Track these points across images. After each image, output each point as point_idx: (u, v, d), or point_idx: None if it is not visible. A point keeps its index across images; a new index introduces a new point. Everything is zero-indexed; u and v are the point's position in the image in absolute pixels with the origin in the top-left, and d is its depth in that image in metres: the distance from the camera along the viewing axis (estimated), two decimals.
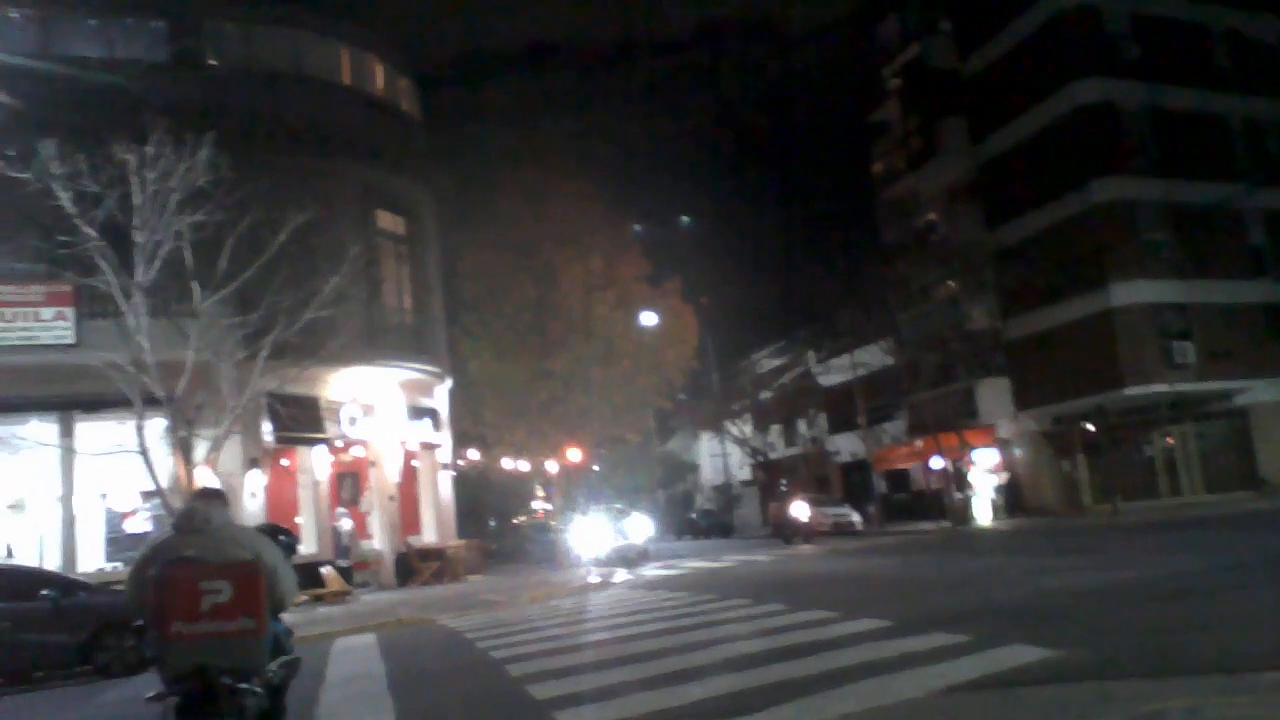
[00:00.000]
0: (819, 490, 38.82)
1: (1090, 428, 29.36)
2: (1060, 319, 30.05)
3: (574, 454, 32.05)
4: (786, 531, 30.18)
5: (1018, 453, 32.87)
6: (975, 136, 33.89)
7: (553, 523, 34.97)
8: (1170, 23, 30.51)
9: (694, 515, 50.23)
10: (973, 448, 31.19)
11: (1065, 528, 24.91)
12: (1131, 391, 28.25)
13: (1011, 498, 31.63)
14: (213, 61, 22.33)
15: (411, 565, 23.49)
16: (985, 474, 31.84)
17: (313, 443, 21.97)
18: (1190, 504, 28.33)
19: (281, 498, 21.81)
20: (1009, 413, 32.60)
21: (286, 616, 5.18)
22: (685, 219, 50.79)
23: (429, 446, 25.99)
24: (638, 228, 37.75)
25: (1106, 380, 28.43)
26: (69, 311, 17.86)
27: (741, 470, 51.88)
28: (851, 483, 41.56)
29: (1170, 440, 30.59)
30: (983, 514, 30.59)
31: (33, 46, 19.67)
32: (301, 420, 21.00)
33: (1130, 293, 28.59)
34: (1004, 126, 32.21)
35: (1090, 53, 29.72)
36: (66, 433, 18.54)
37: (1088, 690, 5.77)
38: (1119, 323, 28.61)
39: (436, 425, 26.16)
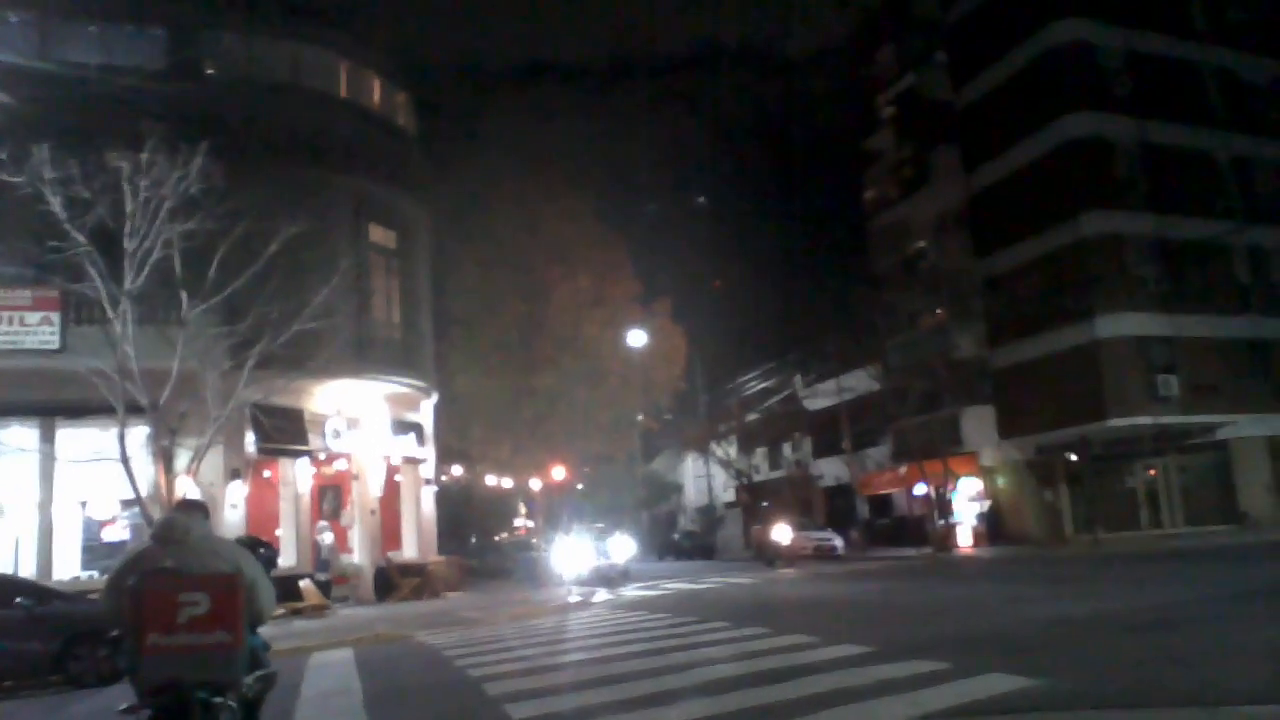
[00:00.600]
0: (802, 514, 38.72)
1: (1073, 458, 29.48)
2: (1046, 349, 30.21)
3: (558, 472, 32.04)
4: (768, 555, 30.14)
5: (1001, 481, 32.95)
6: (967, 166, 34.16)
7: (535, 541, 34.88)
8: (1162, 60, 30.85)
9: (677, 536, 50.11)
10: (956, 475, 31.25)
11: (1046, 557, 24.95)
12: (1115, 423, 28.39)
13: (993, 526, 31.68)
14: (210, 71, 22.38)
15: (391, 580, 23.36)
16: (968, 501, 31.91)
17: (296, 455, 21.88)
18: (1171, 536, 28.43)
19: (262, 509, 21.69)
20: (993, 441, 32.71)
21: (264, 630, 5.16)
22: (682, 231, 50.99)
23: (412, 461, 25.90)
24: (633, 239, 37.78)
25: (1091, 411, 28.56)
26: (55, 316, 17.77)
27: (725, 492, 51.82)
28: (835, 507, 41.55)
29: (1153, 472, 30.73)
30: (964, 541, 30.63)
31: (31, 50, 19.66)
32: (285, 432, 20.92)
33: (1116, 325, 28.78)
34: (996, 157, 32.48)
35: (1083, 87, 30.02)
36: (48, 438, 18.42)
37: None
38: (1104, 354, 28.77)
39: (421, 440, 26.09)
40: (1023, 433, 31.53)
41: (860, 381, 35.44)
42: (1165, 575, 16.16)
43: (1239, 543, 23.81)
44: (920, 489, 33.45)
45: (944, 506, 31.28)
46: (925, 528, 32.54)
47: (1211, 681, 6.75)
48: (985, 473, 33.02)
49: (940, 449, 31.29)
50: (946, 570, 23.06)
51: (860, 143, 40.28)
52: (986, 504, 32.33)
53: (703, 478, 52.11)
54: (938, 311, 34.61)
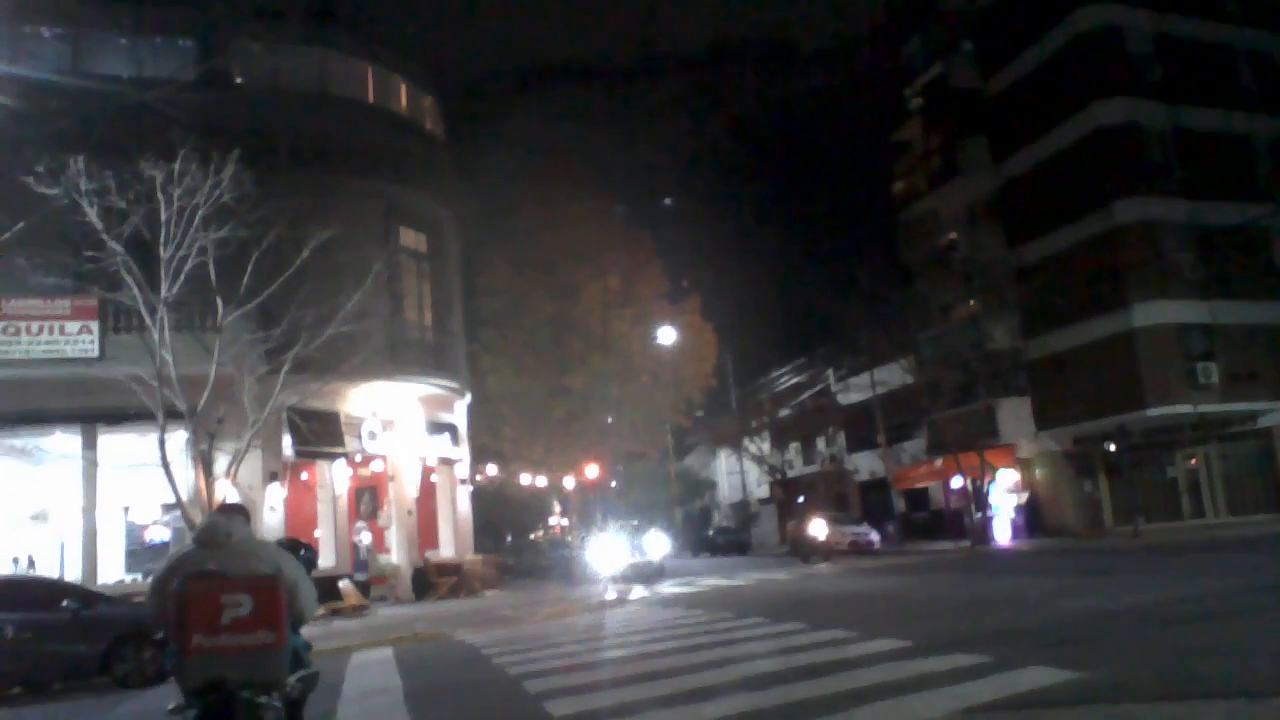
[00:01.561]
0: (838, 509, 38.63)
1: (1112, 448, 29.12)
2: (1082, 339, 29.87)
3: (591, 470, 32.11)
4: (804, 550, 30.04)
5: (1038, 473, 32.63)
6: (997, 156, 33.83)
7: (569, 539, 34.98)
8: (1193, 43, 30.40)
9: (711, 532, 50.09)
10: (993, 467, 30.97)
11: (1086, 549, 24.69)
12: (1154, 412, 28.01)
13: (1032, 518, 31.37)
14: (240, 80, 22.63)
15: (429, 579, 23.53)
16: (1005, 494, 31.62)
17: (332, 457, 22.10)
18: (1213, 526, 28.03)
19: (301, 511, 21.94)
20: (1030, 432, 32.39)
21: (305, 630, 5.22)
22: (710, 227, 50.88)
23: (447, 461, 26.08)
24: (661, 235, 37.78)
25: (1128, 401, 28.21)
26: (94, 325, 18.06)
27: (759, 488, 51.72)
28: (870, 501, 41.34)
29: (1194, 461, 30.30)
30: (1002, 534, 30.36)
31: (63, 64, 19.99)
32: (321, 435, 21.14)
33: (1153, 313, 28.39)
34: (1026, 146, 32.14)
35: (1113, 73, 29.64)
36: (89, 445, 18.71)
37: (1107, 713, 5.73)
38: (1141, 343, 28.39)
39: (455, 440, 26.25)
40: (1060, 423, 31.20)
41: (893, 375, 35.23)
42: (1207, 566, 15.93)
43: None
44: (956, 482, 33.19)
45: (981, 499, 31.01)
46: (962, 521, 32.29)
47: (1255, 673, 6.66)
48: (1022, 464, 32.72)
49: (976, 441, 31.03)
50: (984, 563, 22.86)
51: (888, 135, 40.01)
52: (1024, 496, 32.02)
53: (736, 474, 52.08)
54: (970, 303, 34.31)
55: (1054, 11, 30.69)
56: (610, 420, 33.96)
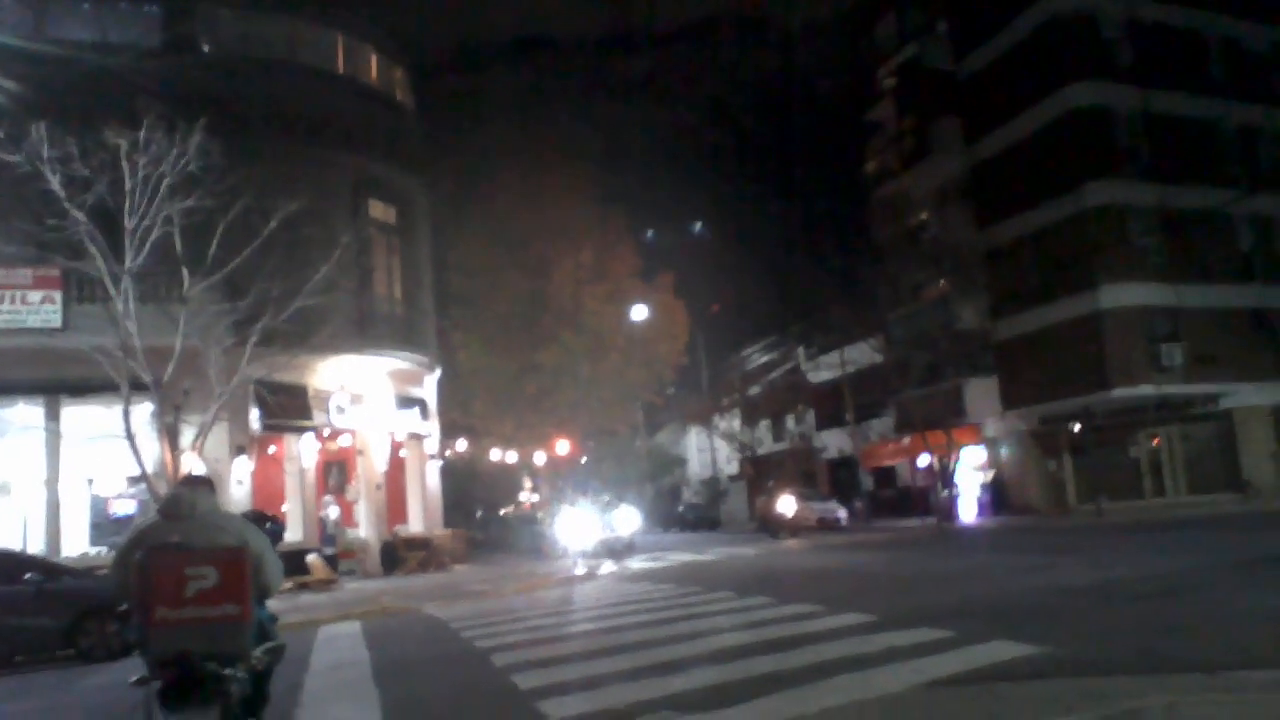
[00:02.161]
0: (806, 486, 38.87)
1: (1077, 428, 29.51)
2: (1049, 320, 30.17)
3: (562, 446, 32.09)
4: (773, 526, 30.27)
5: (1004, 452, 33.02)
6: (969, 137, 33.95)
7: (539, 514, 35.01)
8: (1165, 28, 30.59)
9: (681, 509, 50.34)
10: (960, 446, 31.30)
11: (1050, 527, 25.04)
12: (1118, 393, 28.39)
13: (997, 496, 31.76)
14: (207, 47, 22.23)
15: (397, 554, 23.48)
16: (972, 472, 31.98)
17: (300, 430, 21.93)
18: (1174, 505, 28.54)
19: (268, 485, 21.79)
20: (996, 412, 32.75)
21: (272, 603, 5.19)
22: (684, 207, 50.88)
23: (417, 436, 25.97)
24: (634, 214, 37.68)
25: (1094, 381, 28.57)
26: (57, 295, 17.79)
27: (729, 465, 51.98)
28: (838, 479, 41.67)
29: (1156, 442, 30.77)
30: (968, 512, 30.73)
31: (26, 29, 19.54)
32: (289, 408, 20.96)
33: (1119, 295, 28.70)
34: (998, 128, 32.28)
35: (1085, 56, 29.78)
36: (53, 416, 18.49)
37: (1068, 687, 5.82)
38: (1108, 325, 28.71)
39: (425, 415, 26.13)
40: (1026, 403, 31.55)
41: (863, 354, 35.44)
42: (1168, 544, 16.22)
43: (1242, 511, 23.90)
44: (924, 460, 33.52)
45: (947, 477, 31.35)
46: (929, 498, 32.63)
47: (1213, 648, 6.80)
48: (989, 443, 33.10)
49: (943, 420, 31.33)
50: (950, 541, 23.14)
51: (861, 114, 40.03)
52: (990, 474, 32.41)
53: (706, 451, 52.29)
54: (940, 283, 34.52)
55: None
56: (581, 397, 33.92)
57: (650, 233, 39.91)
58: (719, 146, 57.57)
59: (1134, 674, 6.07)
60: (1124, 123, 29.99)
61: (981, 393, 32.90)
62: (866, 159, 39.83)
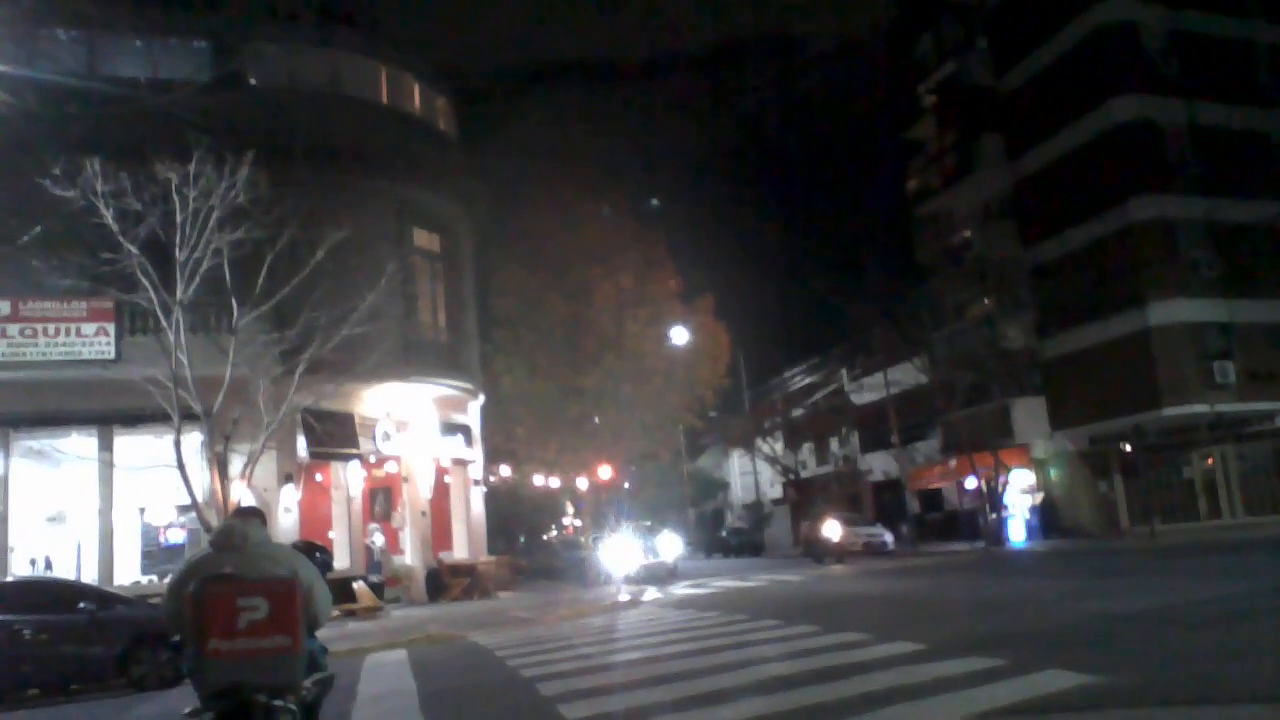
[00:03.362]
0: (851, 509, 38.51)
1: (1128, 448, 28.93)
2: (1097, 338, 29.70)
3: (604, 471, 32.12)
4: (818, 551, 29.97)
5: (1053, 473, 32.47)
6: (1011, 153, 33.66)
7: (583, 539, 35.01)
8: (1210, 39, 30.17)
9: (724, 533, 50.03)
10: (1008, 468, 30.84)
11: (1102, 550, 24.55)
12: (1170, 412, 27.83)
13: (1047, 519, 31.20)
14: (254, 81, 22.71)
15: (442, 581, 23.57)
16: (1020, 494, 31.47)
17: (346, 458, 22.15)
18: (1230, 526, 27.83)
19: (315, 513, 22.00)
20: (1044, 432, 32.24)
21: (320, 632, 5.22)
22: (722, 227, 50.82)
23: (461, 462, 26.12)
24: (671, 233, 37.74)
25: (1144, 400, 28.04)
26: (110, 327, 18.16)
27: (772, 488, 51.63)
28: (884, 502, 41.21)
29: (1210, 461, 30.06)
30: (1017, 535, 30.21)
31: (79, 66, 20.08)
32: (336, 436, 21.19)
33: (1169, 312, 28.20)
34: (1040, 143, 31.97)
35: (1129, 69, 29.46)
36: (106, 446, 18.82)
37: (1126, 717, 5.69)
38: (1157, 342, 28.21)
39: (469, 441, 26.29)
40: (1075, 423, 31.03)
41: (907, 374, 35.10)
42: (1225, 567, 15.82)
43: None
44: (971, 482, 33.04)
45: (995, 500, 30.88)
46: (977, 522, 32.15)
47: (1276, 676, 6.60)
48: (1037, 465, 32.56)
49: (990, 441, 30.90)
50: (999, 565, 22.76)
51: (901, 133, 39.87)
52: (1039, 496, 31.86)
53: (749, 474, 51.98)
54: (984, 302, 34.18)
55: (1069, 7, 30.52)
56: (623, 420, 33.92)
57: (677, 240, 39.73)
58: (759, 167, 57.61)
59: (1194, 704, 5.91)
60: (1170, 136, 29.56)
61: (1029, 413, 32.42)
62: (908, 177, 39.63)
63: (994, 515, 30.71)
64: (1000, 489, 30.68)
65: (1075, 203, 30.18)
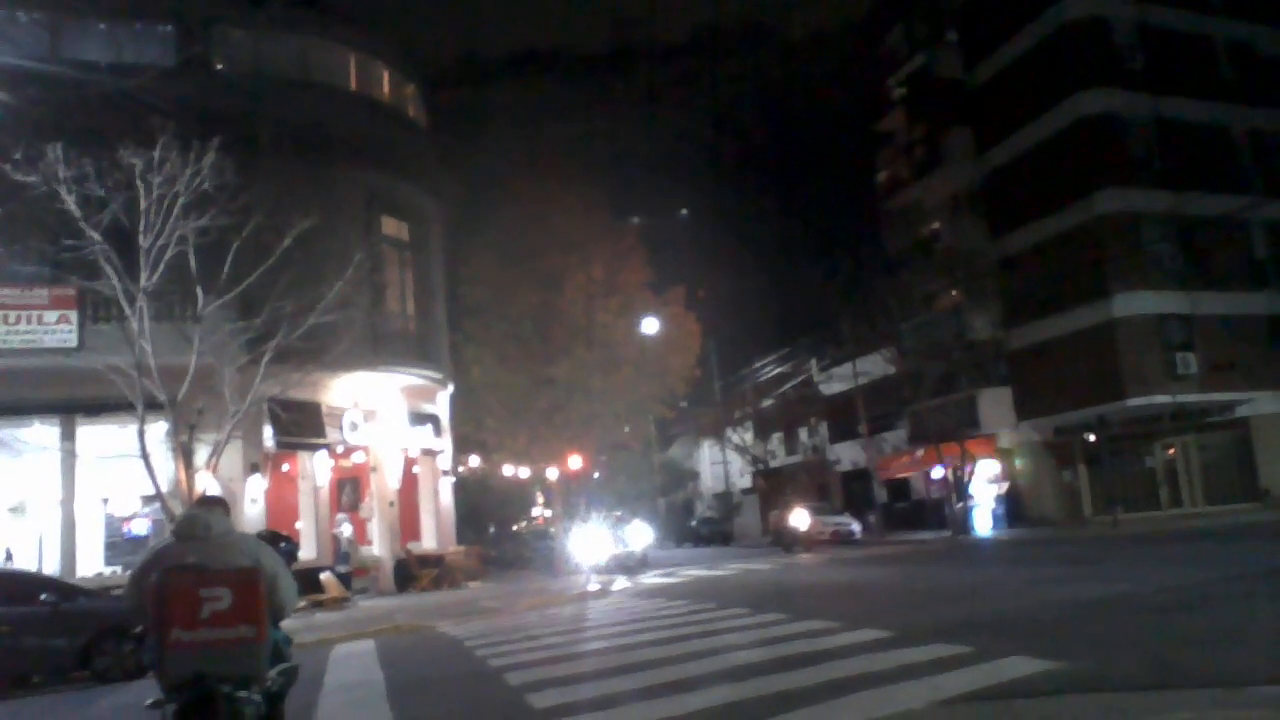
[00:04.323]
0: (820, 499, 38.75)
1: (1091, 438, 29.33)
2: (1063, 329, 30.04)
3: (575, 461, 32.06)
4: (786, 540, 30.12)
5: (1019, 463, 32.83)
6: (980, 146, 33.93)
7: (552, 529, 34.98)
8: (1175, 34, 30.54)
9: (694, 523, 50.19)
10: (974, 457, 31.14)
11: (1066, 538, 24.87)
12: (1133, 402, 28.22)
13: (1012, 508, 31.56)
14: (220, 67, 22.41)
15: (410, 571, 23.47)
16: (986, 484, 31.79)
17: (314, 448, 21.98)
18: (1191, 515, 28.28)
19: (282, 503, 21.82)
20: (1010, 422, 32.58)
21: (286, 623, 5.19)
22: (693, 218, 51.02)
23: (430, 453, 25.99)
24: (635, 220, 37.75)
25: (1108, 391, 28.41)
26: (72, 315, 17.86)
27: (742, 478, 51.84)
28: (852, 492, 41.51)
29: (1172, 451, 30.55)
30: (983, 524, 30.54)
31: (40, 50, 19.73)
32: (303, 425, 21.02)
33: (1133, 303, 28.58)
34: (1009, 137, 32.25)
35: (1095, 64, 29.75)
36: (68, 436, 18.55)
37: (1088, 702, 5.77)
38: (1121, 333, 28.58)
39: (438, 431, 26.16)
40: (1040, 414, 31.39)
41: (875, 365, 35.33)
42: (1186, 555, 16.08)
43: (1260, 521, 23.66)
44: (938, 472, 33.34)
45: (962, 489, 31.19)
46: (943, 511, 32.46)
47: (1234, 661, 6.72)
48: (1003, 455, 32.90)
49: (957, 431, 31.19)
50: (965, 553, 23.01)
51: (871, 125, 40.05)
52: (1005, 486, 32.20)
53: (719, 464, 52.15)
54: (952, 293, 34.46)
55: (1038, 2, 30.76)
56: (594, 411, 33.89)
57: (644, 230, 39.72)
58: (729, 158, 57.68)
59: (1155, 689, 6.01)
60: (1135, 129, 29.92)
61: (995, 403, 32.74)
62: (877, 169, 39.86)
63: (960, 504, 31.01)
64: (966, 478, 30.99)
65: (1042, 195, 30.47)
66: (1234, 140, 30.89)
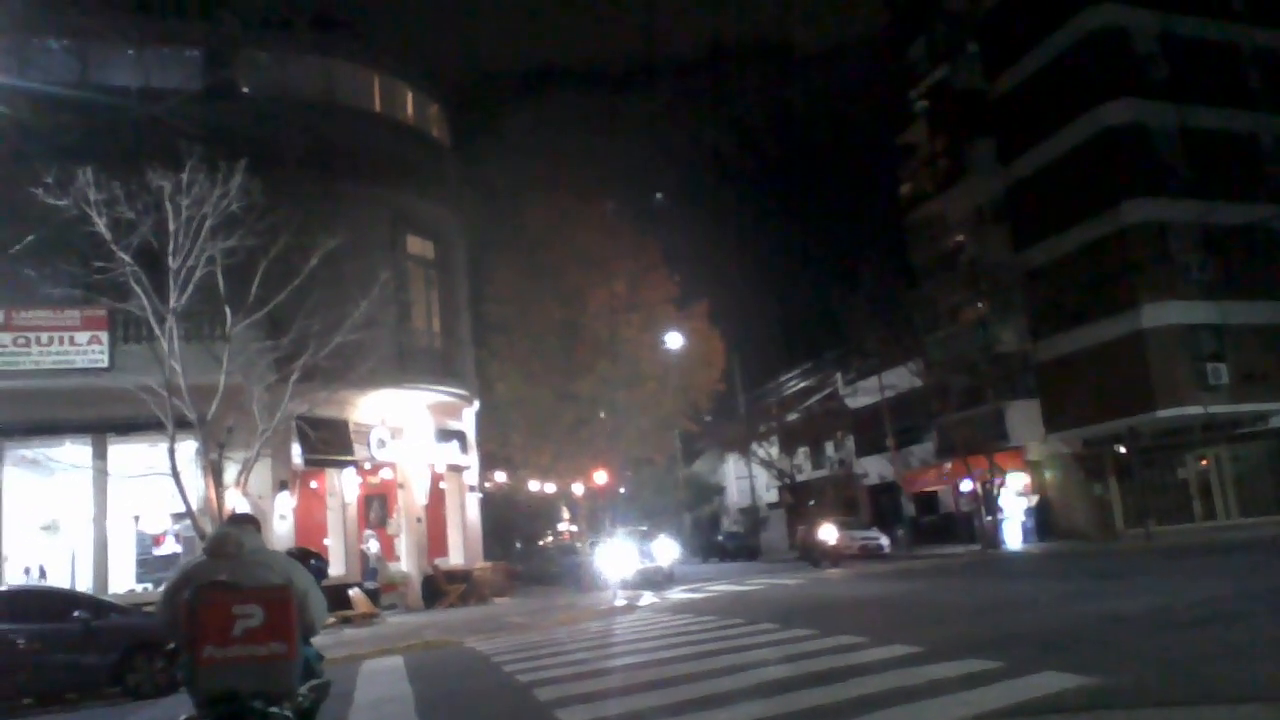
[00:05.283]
0: (847, 513, 38.51)
1: (1122, 450, 28.98)
2: (1091, 341, 29.78)
3: (600, 476, 32.05)
4: (814, 555, 29.97)
5: (1048, 475, 32.51)
6: (1004, 158, 33.77)
7: (579, 545, 34.96)
8: (1199, 42, 30.31)
9: (720, 538, 50.01)
10: (1003, 470, 30.87)
11: (1097, 552, 24.59)
12: (1164, 414, 27.90)
13: (1042, 521, 31.24)
14: (246, 90, 22.71)
15: (438, 587, 23.52)
16: (1015, 497, 31.51)
17: (341, 465, 22.11)
18: (1225, 527, 27.88)
19: (310, 520, 21.95)
20: (1039, 435, 32.29)
21: (316, 639, 5.22)
22: (716, 232, 50.95)
23: (456, 469, 26.08)
24: (666, 240, 37.72)
25: (1138, 402, 28.10)
26: (103, 335, 18.13)
27: (768, 492, 51.62)
28: (880, 506, 41.23)
29: (1204, 463, 30.14)
30: (1013, 538, 30.25)
31: (71, 75, 20.08)
32: (330, 443, 21.16)
33: (1162, 314, 28.29)
34: (1033, 147, 32.07)
35: (1119, 73, 29.58)
36: (100, 455, 18.76)
37: (1122, 718, 5.69)
38: (1151, 344, 28.29)
39: (464, 447, 26.26)
40: (1069, 426, 31.09)
41: (902, 378, 35.13)
42: (1220, 568, 15.86)
43: None
44: (966, 485, 33.07)
45: (990, 503, 30.92)
46: (972, 524, 32.18)
47: (1270, 676, 6.61)
48: (1032, 467, 32.60)
49: (985, 444, 30.93)
50: (995, 567, 22.79)
51: (894, 137, 39.98)
52: (1034, 499, 31.90)
53: (745, 479, 51.97)
54: (978, 305, 34.22)
55: (1060, 12, 30.66)
56: (618, 426, 33.88)
57: (670, 246, 39.83)
58: (751, 172, 57.71)
59: (1190, 704, 5.92)
60: (1161, 139, 29.69)
61: (1023, 416, 32.47)
62: (900, 182, 39.74)
63: (989, 518, 30.75)
64: (995, 492, 30.73)
65: (1068, 206, 30.27)
66: (1261, 148, 30.58)
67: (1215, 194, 28.74)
